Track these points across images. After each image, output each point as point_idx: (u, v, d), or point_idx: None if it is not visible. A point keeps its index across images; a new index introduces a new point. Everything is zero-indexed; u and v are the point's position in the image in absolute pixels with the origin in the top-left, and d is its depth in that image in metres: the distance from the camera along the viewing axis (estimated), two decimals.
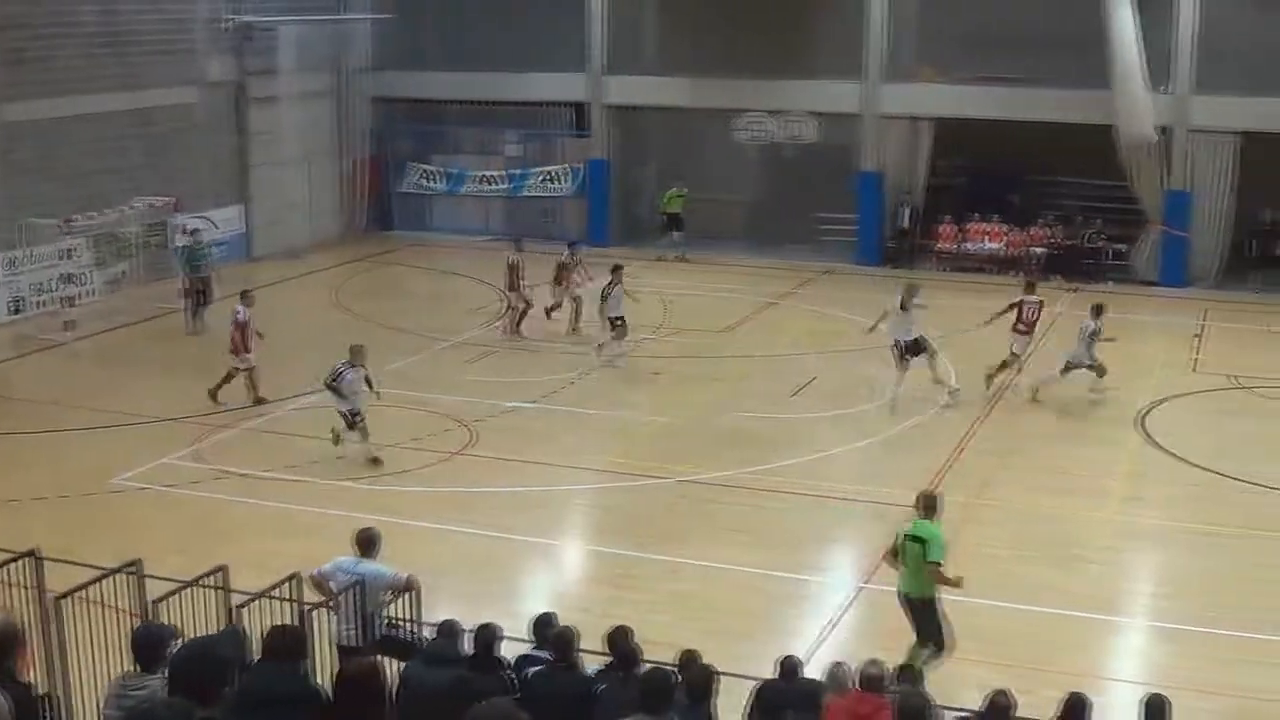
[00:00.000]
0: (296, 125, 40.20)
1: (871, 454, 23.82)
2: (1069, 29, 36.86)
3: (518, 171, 43.31)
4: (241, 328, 25.64)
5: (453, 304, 34.56)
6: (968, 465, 23.02)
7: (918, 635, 15.38)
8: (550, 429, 24.64)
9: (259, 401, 25.68)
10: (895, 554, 15.47)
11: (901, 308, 25.90)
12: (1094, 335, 26.24)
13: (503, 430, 24.51)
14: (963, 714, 11.71)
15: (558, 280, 31.39)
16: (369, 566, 13.95)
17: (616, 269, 29.16)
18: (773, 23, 39.91)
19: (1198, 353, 30.70)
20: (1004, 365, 26.73)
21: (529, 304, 31.28)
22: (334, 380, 22.67)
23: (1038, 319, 27.06)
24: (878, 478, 22.49)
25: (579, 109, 42.43)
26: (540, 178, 43.20)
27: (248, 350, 25.69)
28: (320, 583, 13.98)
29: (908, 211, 39.76)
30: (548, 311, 31.87)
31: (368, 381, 23.04)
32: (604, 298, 28.81)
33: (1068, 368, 26.40)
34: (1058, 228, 39.25)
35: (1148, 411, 26.12)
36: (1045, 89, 37.65)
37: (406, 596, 13.89)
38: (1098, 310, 26.56)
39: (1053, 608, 17.74)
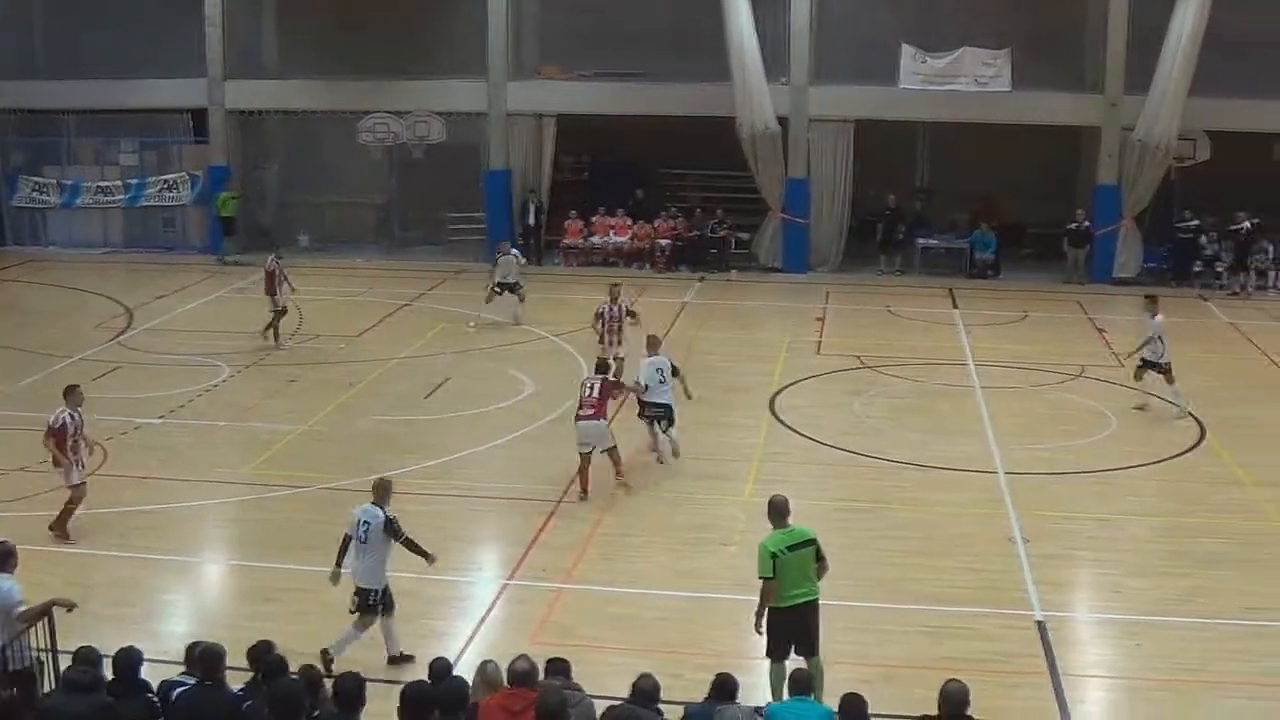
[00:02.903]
0: None
1: (509, 451, 23.93)
2: (688, 25, 37.84)
3: (135, 180, 42.35)
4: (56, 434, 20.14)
5: (74, 319, 33.50)
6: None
7: (815, 646, 14.50)
8: (183, 443, 24.04)
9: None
10: (773, 575, 14.23)
11: None
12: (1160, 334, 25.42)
13: (134, 448, 23.80)
14: (612, 701, 11.87)
15: (269, 290, 30.53)
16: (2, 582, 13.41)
17: None
18: (395, 24, 39.96)
19: (821, 335, 31.70)
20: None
21: (281, 310, 30.55)
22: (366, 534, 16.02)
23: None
24: (516, 474, 22.71)
25: (198, 115, 41.57)
26: (159, 186, 42.29)
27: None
28: None
29: (534, 208, 40.05)
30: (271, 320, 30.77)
31: None
32: None
33: (1144, 368, 25.81)
34: (681, 219, 40.05)
35: (777, 394, 26.88)
36: (665, 84, 38.51)
37: (40, 624, 13.41)
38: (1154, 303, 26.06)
39: (695, 591, 18.10)
